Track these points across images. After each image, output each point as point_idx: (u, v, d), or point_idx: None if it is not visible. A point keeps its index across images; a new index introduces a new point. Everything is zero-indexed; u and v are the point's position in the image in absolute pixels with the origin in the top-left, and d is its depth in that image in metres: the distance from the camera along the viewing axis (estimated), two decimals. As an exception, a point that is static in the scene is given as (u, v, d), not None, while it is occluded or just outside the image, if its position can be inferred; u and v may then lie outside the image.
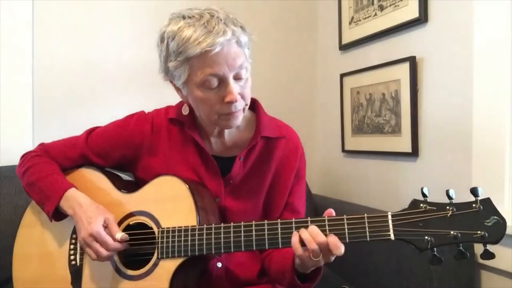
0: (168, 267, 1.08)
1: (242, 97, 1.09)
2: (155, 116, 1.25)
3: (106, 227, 1.12)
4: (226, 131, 1.20)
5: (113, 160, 1.25)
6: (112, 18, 2.07)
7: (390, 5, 1.80)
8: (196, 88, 1.07)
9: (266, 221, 1.04)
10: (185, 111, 1.20)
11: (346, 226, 0.97)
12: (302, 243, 0.97)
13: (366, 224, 0.96)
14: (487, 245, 0.90)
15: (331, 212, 1.01)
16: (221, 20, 1.03)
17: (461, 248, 0.92)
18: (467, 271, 1.39)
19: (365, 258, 1.62)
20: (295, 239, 0.98)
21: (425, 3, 1.63)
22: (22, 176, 1.25)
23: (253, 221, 1.04)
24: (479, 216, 0.90)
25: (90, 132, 1.28)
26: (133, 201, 1.18)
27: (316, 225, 0.97)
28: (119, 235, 1.11)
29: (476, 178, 1.44)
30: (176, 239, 1.08)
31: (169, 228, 1.10)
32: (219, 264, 1.19)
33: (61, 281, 1.19)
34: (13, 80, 1.92)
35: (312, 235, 0.96)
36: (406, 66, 1.70)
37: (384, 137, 1.87)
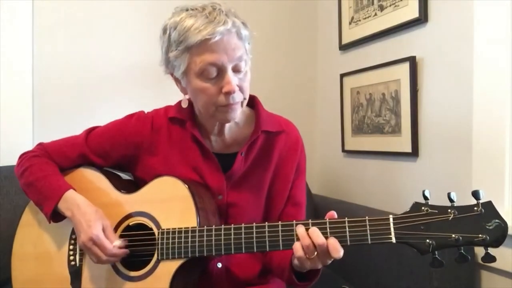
0: (168, 268, 1.08)
1: (241, 90, 1.09)
2: (155, 116, 1.25)
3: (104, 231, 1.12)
4: (226, 129, 1.20)
5: (112, 159, 1.25)
6: (112, 18, 2.07)
7: (390, 5, 1.80)
8: (195, 78, 1.08)
9: (267, 223, 1.03)
10: (184, 104, 1.20)
11: (347, 229, 0.96)
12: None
13: (368, 227, 0.95)
14: (488, 248, 0.90)
15: (333, 214, 1.01)
16: (222, 11, 1.05)
17: (462, 251, 0.92)
18: (467, 271, 1.39)
19: (365, 258, 1.62)
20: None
21: (425, 3, 1.63)
22: (20, 176, 1.25)
23: (254, 223, 1.04)
24: (480, 219, 0.90)
25: (90, 131, 1.28)
26: (132, 202, 1.18)
27: (317, 227, 0.97)
28: (117, 242, 1.11)
29: (476, 178, 1.44)
30: (176, 240, 1.08)
31: (169, 229, 1.10)
32: (219, 264, 1.19)
33: (60, 281, 1.19)
34: (13, 80, 1.92)
35: (312, 236, 0.96)
36: (406, 66, 1.70)
37: (384, 137, 1.87)
